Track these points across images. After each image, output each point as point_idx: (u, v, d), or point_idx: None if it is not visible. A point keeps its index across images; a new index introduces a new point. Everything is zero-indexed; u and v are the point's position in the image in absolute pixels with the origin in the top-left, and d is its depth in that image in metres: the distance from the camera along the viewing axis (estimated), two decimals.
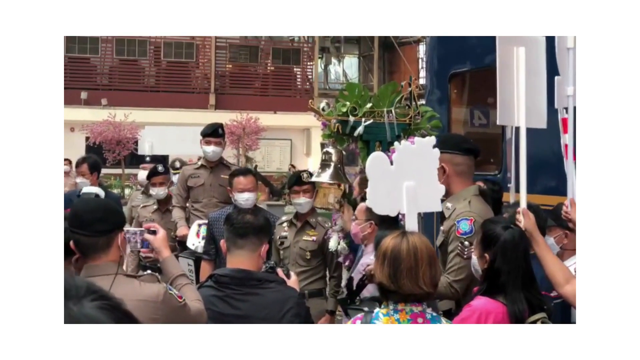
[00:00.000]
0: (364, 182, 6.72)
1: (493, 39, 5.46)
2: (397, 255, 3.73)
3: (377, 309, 3.91)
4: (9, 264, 2.13)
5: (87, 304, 1.30)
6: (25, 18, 2.40)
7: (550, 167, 6.48)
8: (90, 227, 3.96)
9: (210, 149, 8.17)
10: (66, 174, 18.35)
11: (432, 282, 3.75)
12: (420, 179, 4.72)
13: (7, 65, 2.35)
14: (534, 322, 4.22)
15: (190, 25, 3.19)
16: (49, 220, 2.35)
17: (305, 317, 4.53)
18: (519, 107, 5.25)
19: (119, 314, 1.36)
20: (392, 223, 5.32)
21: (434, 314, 3.86)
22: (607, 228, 3.03)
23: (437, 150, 4.90)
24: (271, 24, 3.54)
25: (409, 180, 4.67)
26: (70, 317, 1.30)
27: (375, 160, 4.92)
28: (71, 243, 3.92)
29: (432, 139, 5.03)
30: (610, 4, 3.05)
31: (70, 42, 29.90)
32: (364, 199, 5.98)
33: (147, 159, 8.46)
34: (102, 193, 7.36)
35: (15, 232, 2.22)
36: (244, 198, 7.11)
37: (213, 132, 8.30)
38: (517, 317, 4.15)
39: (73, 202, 7.84)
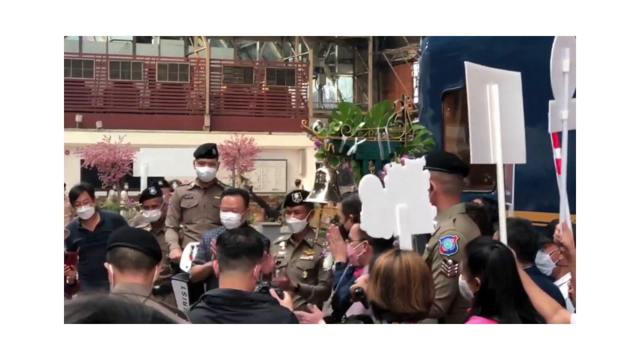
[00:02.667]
0: (346, 208, 6.89)
1: (486, 58, 5.49)
2: (389, 274, 3.74)
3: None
4: (10, 266, 2.11)
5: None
6: (25, 18, 2.33)
7: (543, 184, 6.46)
8: (142, 243, 4.07)
9: (204, 169, 8.16)
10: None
11: (424, 302, 3.76)
12: (412, 201, 4.71)
13: (8, 66, 2.29)
14: None
15: (189, 25, 3.14)
16: (49, 223, 2.31)
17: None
18: (494, 144, 5.24)
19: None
20: (386, 243, 5.27)
21: None
22: (606, 229, 2.99)
23: (427, 171, 4.90)
24: (272, 23, 3.49)
25: (401, 202, 4.67)
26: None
27: (367, 183, 4.91)
28: (106, 264, 4.02)
29: (422, 161, 5.09)
30: (610, 4, 2.97)
31: (65, 65, 29.88)
32: (356, 220, 5.94)
33: (152, 190, 8.41)
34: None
35: (17, 236, 2.19)
36: (226, 217, 7.14)
37: (206, 153, 8.30)
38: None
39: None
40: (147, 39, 34.59)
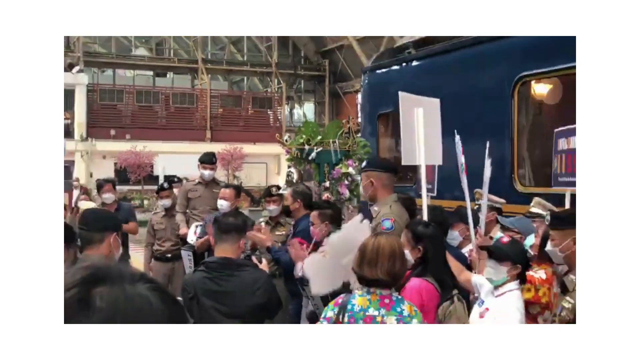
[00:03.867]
0: (295, 194, 6.86)
1: (409, 89, 5.53)
2: (363, 250, 3.72)
3: (355, 291, 3.82)
4: (10, 266, 1.64)
5: (140, 286, 1.16)
6: (25, 18, 1.80)
7: (454, 180, 6.48)
8: (88, 225, 3.98)
9: (206, 172, 8.19)
10: (76, 188, 18.29)
11: (389, 273, 3.67)
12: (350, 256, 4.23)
13: (7, 66, 1.76)
14: (452, 296, 4.24)
15: (190, 25, 2.60)
16: (48, 223, 1.78)
17: (271, 292, 4.57)
18: (419, 151, 5.24)
19: (165, 296, 1.20)
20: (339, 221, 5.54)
21: (399, 296, 3.78)
22: (606, 230, 2.19)
23: (366, 225, 4.57)
24: (270, 24, 2.80)
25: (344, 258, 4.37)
26: (125, 296, 1.13)
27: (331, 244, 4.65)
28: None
29: (366, 225, 4.65)
30: (610, 4, 2.19)
31: (102, 93, 29.89)
32: (308, 206, 6.02)
33: (165, 185, 8.60)
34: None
35: (16, 234, 1.69)
36: (219, 204, 7.17)
37: (208, 160, 8.33)
38: (443, 291, 4.24)
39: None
40: (163, 74, 34.35)
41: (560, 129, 5.32)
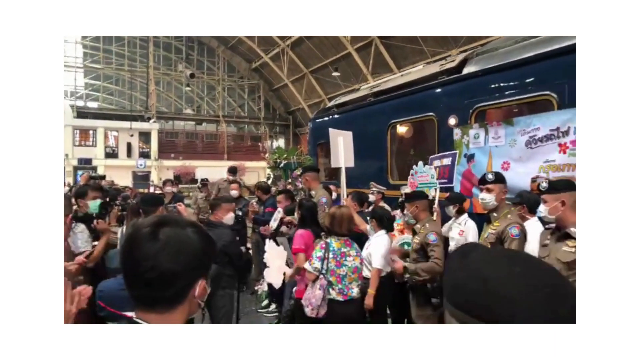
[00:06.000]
0: (257, 189, 6.60)
1: (336, 126, 5.61)
2: (333, 215, 3.58)
3: (329, 238, 3.52)
4: (10, 266, 1.02)
5: (189, 229, 1.02)
6: (25, 18, 1.15)
7: (365, 176, 6.56)
8: (148, 202, 3.61)
9: (231, 177, 7.74)
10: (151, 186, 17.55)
11: (348, 228, 3.56)
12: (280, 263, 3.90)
13: (8, 66, 1.12)
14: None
15: (189, 25, 1.62)
16: (48, 225, 1.08)
17: (235, 243, 3.98)
18: (341, 160, 5.23)
19: (204, 237, 1.03)
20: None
21: (351, 241, 3.60)
22: (606, 230, 1.25)
23: (282, 250, 3.90)
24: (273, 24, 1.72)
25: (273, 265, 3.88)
26: (179, 234, 0.98)
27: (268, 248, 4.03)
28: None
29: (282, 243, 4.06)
30: (610, 4, 1.33)
31: (167, 134, 29.18)
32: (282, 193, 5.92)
33: (199, 185, 8.20)
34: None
35: (17, 236, 1.05)
36: (232, 192, 6.77)
37: (232, 170, 7.96)
38: (315, 235, 3.92)
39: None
40: (200, 123, 33.67)
41: (433, 156, 5.08)
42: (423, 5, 1.61)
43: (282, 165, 6.96)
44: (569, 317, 0.57)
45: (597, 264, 1.10)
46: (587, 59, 1.21)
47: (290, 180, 6.87)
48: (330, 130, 5.43)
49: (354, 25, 1.65)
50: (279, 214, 4.95)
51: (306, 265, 3.55)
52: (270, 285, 4.14)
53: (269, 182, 7.33)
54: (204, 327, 1.04)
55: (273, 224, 4.95)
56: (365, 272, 3.88)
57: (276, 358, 0.95)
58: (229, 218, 3.91)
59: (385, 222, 4.09)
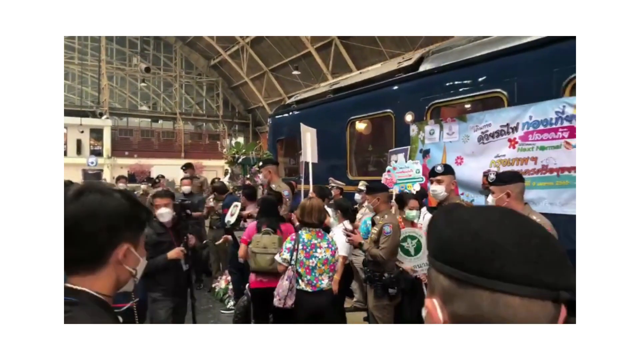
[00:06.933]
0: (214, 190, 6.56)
1: (302, 121, 5.66)
2: (304, 207, 3.60)
3: (301, 231, 3.56)
4: (10, 265, 0.94)
5: (115, 194, 1.02)
6: (25, 18, 1.07)
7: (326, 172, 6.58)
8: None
9: (186, 173, 7.48)
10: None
11: (319, 218, 3.59)
12: None
13: (8, 66, 1.04)
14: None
15: (190, 25, 1.55)
16: (48, 223, 0.97)
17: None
18: (308, 154, 5.30)
19: (131, 200, 1.04)
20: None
21: (323, 231, 3.65)
22: (607, 226, 1.13)
23: None
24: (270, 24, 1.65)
25: None
26: (98, 198, 0.99)
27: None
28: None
29: None
30: (610, 4, 1.22)
31: (120, 131, 28.11)
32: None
33: (157, 180, 8.01)
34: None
35: (16, 235, 0.96)
36: (184, 188, 6.53)
37: (185, 166, 7.78)
38: (274, 227, 3.90)
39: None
40: (156, 120, 32.66)
41: (391, 150, 5.19)
42: (423, 5, 1.58)
43: (240, 160, 6.84)
44: (559, 263, 0.57)
45: (597, 264, 1.08)
46: (587, 59, 1.18)
47: (249, 176, 6.77)
48: (302, 125, 5.51)
49: (319, 25, 1.60)
50: (235, 207, 4.88)
51: (276, 257, 3.58)
52: (232, 282, 4.11)
53: (227, 177, 7.18)
54: (207, 327, 1.01)
55: (231, 218, 4.87)
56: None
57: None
58: (162, 214, 3.43)
59: (349, 213, 4.18)
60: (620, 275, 1.06)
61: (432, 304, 0.62)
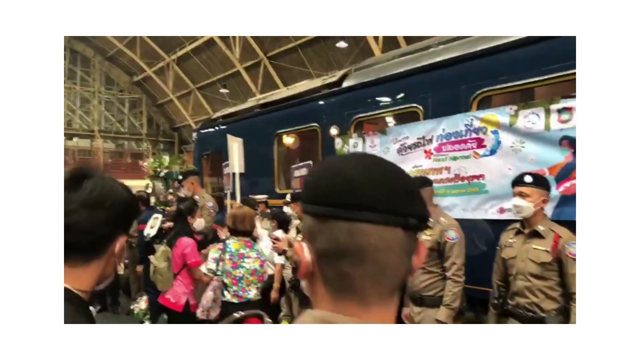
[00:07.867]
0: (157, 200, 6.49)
1: (223, 139, 5.61)
2: (234, 215, 3.57)
3: (228, 240, 3.53)
4: (10, 265, 0.92)
5: (116, 182, 1.01)
6: (25, 18, 1.04)
7: (253, 185, 6.50)
8: None
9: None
10: None
11: (250, 227, 3.57)
12: None
13: (8, 66, 1.01)
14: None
15: (190, 25, 1.54)
16: (48, 222, 0.94)
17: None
18: (235, 165, 5.28)
19: (130, 192, 1.03)
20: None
21: (252, 241, 3.61)
22: (605, 229, 1.12)
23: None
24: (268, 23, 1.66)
25: None
26: (103, 185, 0.96)
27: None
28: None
29: None
30: (610, 4, 1.18)
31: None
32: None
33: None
34: None
35: (16, 234, 0.93)
36: None
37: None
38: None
39: None
40: (70, 138, 30.44)
41: (294, 165, 5.38)
42: (423, 5, 1.56)
43: (162, 174, 6.56)
44: (409, 195, 0.62)
45: (597, 264, 1.07)
46: (587, 59, 1.17)
47: (172, 191, 6.52)
48: (228, 136, 5.47)
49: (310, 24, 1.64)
50: (156, 220, 4.67)
51: (201, 267, 3.54)
52: (149, 302, 3.94)
53: (149, 191, 6.84)
54: (206, 327, 0.98)
55: (151, 231, 4.64)
56: (270, 272, 4.06)
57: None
58: None
59: (284, 224, 4.31)
60: (620, 275, 1.06)
61: (300, 245, 0.66)
